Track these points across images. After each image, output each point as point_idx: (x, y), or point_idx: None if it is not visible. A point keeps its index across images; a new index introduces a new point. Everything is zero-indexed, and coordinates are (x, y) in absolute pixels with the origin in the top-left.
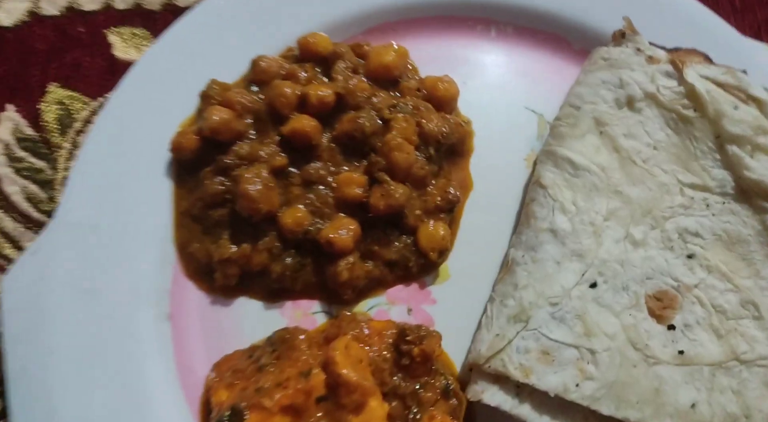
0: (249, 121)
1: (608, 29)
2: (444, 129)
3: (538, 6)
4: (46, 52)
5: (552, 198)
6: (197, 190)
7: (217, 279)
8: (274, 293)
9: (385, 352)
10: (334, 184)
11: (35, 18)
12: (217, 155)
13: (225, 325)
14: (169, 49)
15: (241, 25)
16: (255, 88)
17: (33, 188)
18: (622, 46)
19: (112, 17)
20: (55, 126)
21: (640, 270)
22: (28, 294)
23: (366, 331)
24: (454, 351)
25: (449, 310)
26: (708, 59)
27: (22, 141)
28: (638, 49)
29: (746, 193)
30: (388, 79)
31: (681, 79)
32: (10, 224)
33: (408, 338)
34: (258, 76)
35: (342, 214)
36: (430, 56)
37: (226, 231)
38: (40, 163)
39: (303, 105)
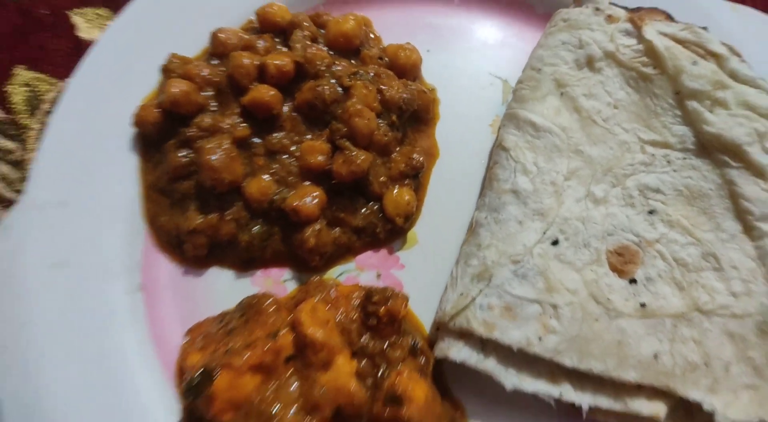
0: (210, 93)
1: None
2: (405, 95)
3: None
4: (10, 35)
5: (514, 160)
6: (162, 164)
7: (187, 250)
8: (244, 262)
9: (352, 314)
10: (297, 153)
11: None
12: (180, 128)
13: (197, 295)
14: (129, 26)
15: None
16: (215, 61)
17: (4, 169)
18: (582, 7)
19: None
20: (24, 107)
21: (601, 227)
22: (0, 268)
23: (333, 295)
24: (424, 313)
25: (417, 274)
26: (670, 18)
27: None
28: (597, 9)
29: (706, 147)
30: (348, 48)
31: (640, 37)
32: None
33: (374, 299)
34: (217, 48)
35: (307, 183)
36: (394, 25)
37: (194, 203)
38: (10, 144)
39: (263, 75)
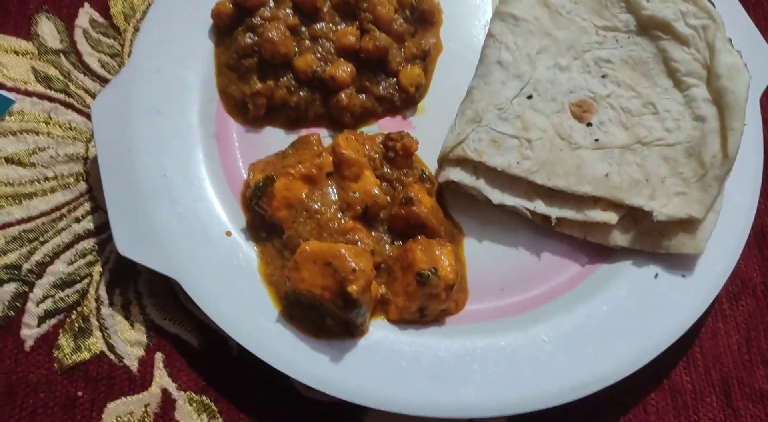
0: None
1: None
2: None
3: None
4: None
5: (498, 41)
6: (232, 46)
7: (249, 111)
8: (292, 122)
9: (376, 148)
10: (333, 38)
11: None
12: (246, 18)
13: (257, 147)
14: None
15: None
16: None
17: (106, 58)
18: None
19: None
20: (120, 16)
21: (565, 87)
22: (113, 113)
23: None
24: (429, 164)
25: (426, 134)
26: None
27: (95, 26)
28: None
29: (644, 27)
30: None
31: None
32: (90, 83)
33: (393, 137)
34: None
35: (341, 59)
36: None
37: (255, 75)
38: (110, 41)
39: None
